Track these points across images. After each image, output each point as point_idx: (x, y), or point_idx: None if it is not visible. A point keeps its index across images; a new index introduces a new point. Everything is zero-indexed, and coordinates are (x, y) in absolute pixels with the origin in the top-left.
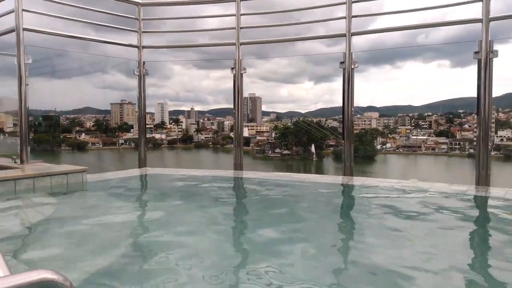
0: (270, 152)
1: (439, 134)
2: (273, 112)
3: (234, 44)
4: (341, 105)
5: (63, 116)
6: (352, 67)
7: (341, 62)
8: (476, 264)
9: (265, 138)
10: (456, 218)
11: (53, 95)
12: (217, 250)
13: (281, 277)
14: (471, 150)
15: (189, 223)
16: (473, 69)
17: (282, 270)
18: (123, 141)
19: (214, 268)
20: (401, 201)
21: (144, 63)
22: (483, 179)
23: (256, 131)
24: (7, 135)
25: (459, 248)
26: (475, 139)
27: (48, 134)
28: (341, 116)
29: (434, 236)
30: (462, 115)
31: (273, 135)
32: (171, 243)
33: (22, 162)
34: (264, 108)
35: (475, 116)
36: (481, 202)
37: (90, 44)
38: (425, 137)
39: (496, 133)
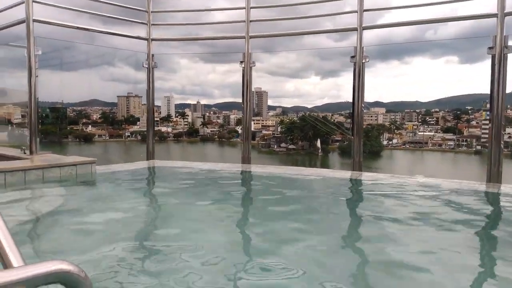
0: (275, 146)
1: (446, 130)
2: (279, 107)
3: (243, 37)
4: (347, 100)
5: (70, 108)
6: (363, 61)
7: (352, 57)
8: (493, 261)
9: (271, 132)
10: (470, 214)
11: (60, 87)
12: (228, 242)
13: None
14: (478, 147)
15: (199, 216)
16: (481, 66)
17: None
18: (129, 134)
19: (224, 262)
20: (414, 197)
21: (153, 55)
22: (494, 176)
23: (262, 125)
24: (15, 126)
25: (474, 244)
26: (482, 135)
27: (55, 126)
28: (347, 111)
29: (449, 233)
30: (469, 111)
31: (279, 130)
32: (180, 235)
33: (31, 153)
34: (270, 102)
35: (483, 113)
36: (493, 199)
37: (98, 37)
38: (432, 133)
39: (504, 130)
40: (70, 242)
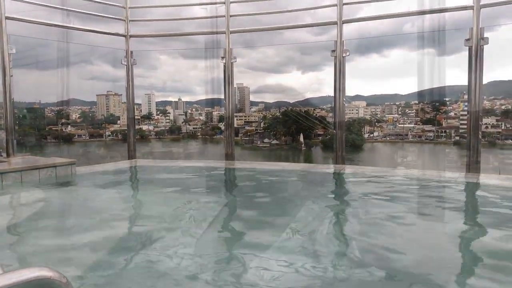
0: (259, 142)
1: (425, 122)
2: (262, 102)
3: (224, 32)
4: (329, 94)
5: (48, 108)
6: (344, 55)
7: (332, 51)
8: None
9: (253, 128)
10: (450, 204)
11: (37, 87)
12: (215, 242)
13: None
14: (457, 138)
15: (181, 214)
16: (458, 58)
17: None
18: (109, 133)
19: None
20: (395, 187)
21: (132, 52)
22: (473, 167)
23: (245, 121)
24: None
25: (452, 232)
26: (461, 126)
27: (33, 127)
28: (329, 105)
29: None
30: (448, 103)
31: (262, 125)
32: (163, 234)
33: (8, 155)
34: (252, 98)
35: (460, 104)
36: (473, 188)
37: (75, 34)
38: (412, 125)
39: (481, 120)
40: (48, 246)
